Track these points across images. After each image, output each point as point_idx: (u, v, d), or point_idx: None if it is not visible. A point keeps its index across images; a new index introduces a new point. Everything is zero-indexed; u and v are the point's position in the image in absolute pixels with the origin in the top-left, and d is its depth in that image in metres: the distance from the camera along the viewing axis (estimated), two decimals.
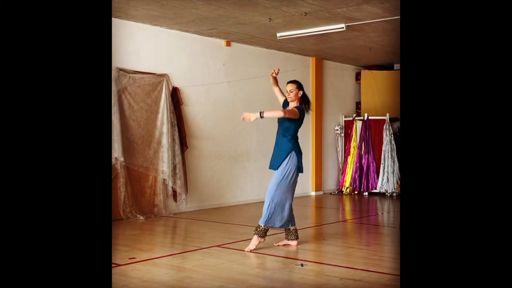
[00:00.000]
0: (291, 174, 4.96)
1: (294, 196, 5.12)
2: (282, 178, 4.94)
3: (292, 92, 5.07)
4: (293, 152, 4.97)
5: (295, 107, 5.02)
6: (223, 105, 8.51)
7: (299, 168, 5.05)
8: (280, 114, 4.83)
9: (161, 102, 7.43)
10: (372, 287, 3.75)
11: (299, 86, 5.12)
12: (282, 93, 5.37)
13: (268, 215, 4.94)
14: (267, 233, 5.03)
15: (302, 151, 5.14)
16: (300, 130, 5.12)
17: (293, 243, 5.11)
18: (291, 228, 5.11)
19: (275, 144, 5.10)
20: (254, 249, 4.91)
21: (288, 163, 4.94)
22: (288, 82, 5.17)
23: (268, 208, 4.94)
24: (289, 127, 4.97)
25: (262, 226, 4.95)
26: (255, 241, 4.95)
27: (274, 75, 5.38)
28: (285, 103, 5.24)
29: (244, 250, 4.91)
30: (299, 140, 5.12)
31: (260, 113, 4.73)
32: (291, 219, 5.09)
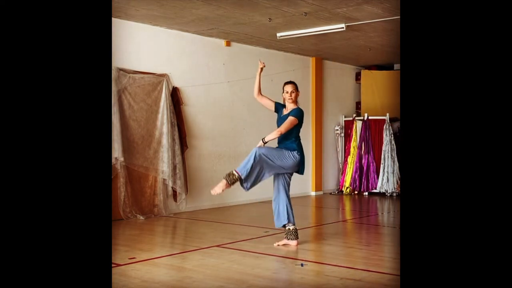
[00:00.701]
0: (287, 160, 4.94)
1: (294, 196, 5.11)
2: (278, 154, 4.92)
3: (293, 92, 5.12)
4: (296, 151, 4.99)
5: (292, 112, 5.03)
6: (223, 105, 8.51)
7: (299, 170, 5.06)
8: (278, 134, 4.93)
9: (161, 102, 7.43)
10: (372, 287, 3.75)
11: (297, 87, 5.19)
12: (267, 97, 5.35)
13: (247, 168, 4.76)
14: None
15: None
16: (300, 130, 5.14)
17: (293, 243, 5.11)
18: (291, 228, 5.11)
19: (279, 146, 5.09)
20: (220, 193, 4.84)
21: (292, 155, 4.95)
22: (287, 83, 5.19)
23: (250, 160, 4.78)
24: (291, 130, 4.99)
25: (237, 175, 4.77)
26: (222, 185, 4.78)
27: (262, 66, 5.24)
28: (278, 106, 5.26)
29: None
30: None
31: (262, 139, 4.91)
32: (288, 217, 5.07)
